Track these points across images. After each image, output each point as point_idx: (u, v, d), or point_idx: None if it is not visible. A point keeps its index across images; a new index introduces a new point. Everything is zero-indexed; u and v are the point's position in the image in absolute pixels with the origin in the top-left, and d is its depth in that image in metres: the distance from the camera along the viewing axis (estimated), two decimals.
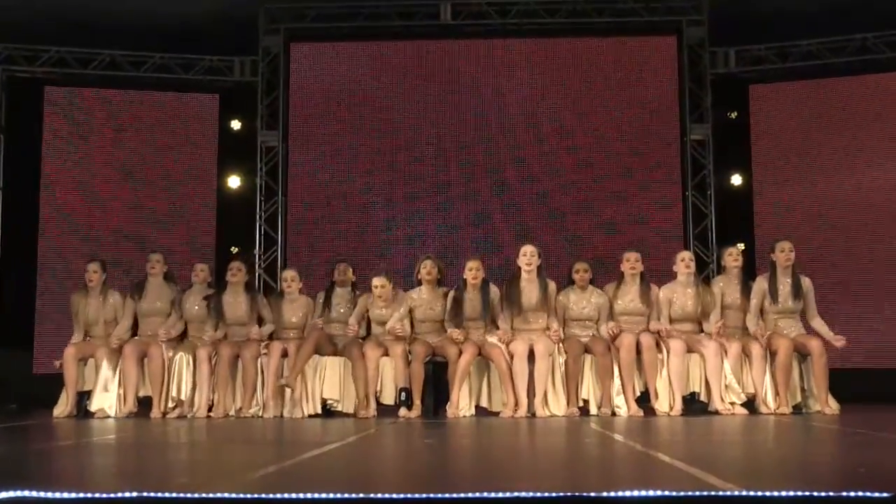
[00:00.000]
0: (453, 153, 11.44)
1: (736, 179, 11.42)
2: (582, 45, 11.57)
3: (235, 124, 11.98)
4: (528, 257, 7.38)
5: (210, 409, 7.61)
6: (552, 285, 7.47)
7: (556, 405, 7.28)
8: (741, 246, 7.43)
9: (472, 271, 7.39)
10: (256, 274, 11.01)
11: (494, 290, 7.48)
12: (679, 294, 7.39)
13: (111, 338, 7.71)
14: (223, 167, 11.71)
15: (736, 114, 11.74)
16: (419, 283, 7.63)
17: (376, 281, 7.58)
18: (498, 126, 11.48)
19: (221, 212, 11.48)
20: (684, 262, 7.40)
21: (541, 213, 11.22)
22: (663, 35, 11.50)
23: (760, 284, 7.42)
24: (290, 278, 7.90)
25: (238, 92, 11.79)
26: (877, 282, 10.75)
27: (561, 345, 7.38)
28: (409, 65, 11.64)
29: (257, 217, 11.31)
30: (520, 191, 11.30)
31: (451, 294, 7.47)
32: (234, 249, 11.24)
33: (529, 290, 7.38)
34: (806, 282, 7.39)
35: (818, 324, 7.37)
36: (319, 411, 7.55)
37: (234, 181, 11.81)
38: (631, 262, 7.49)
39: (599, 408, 7.27)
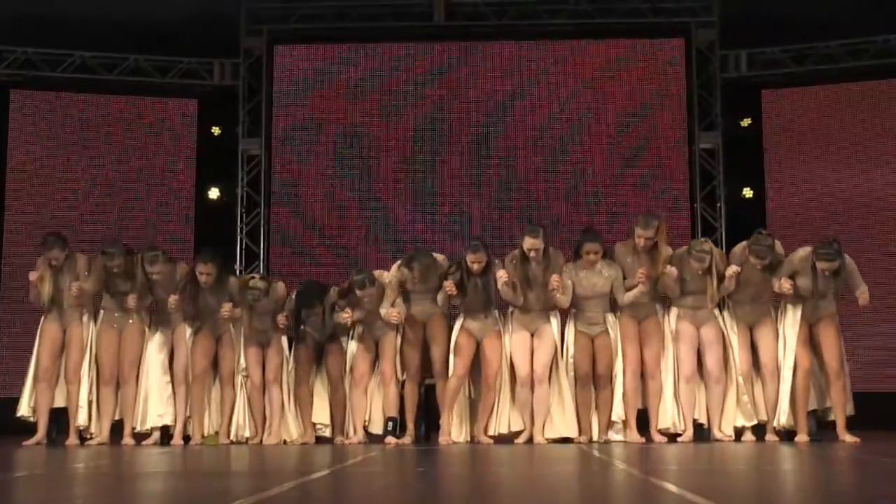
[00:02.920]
0: (448, 161, 11.44)
1: (747, 191, 11.42)
2: (584, 48, 11.59)
3: (215, 131, 11.97)
4: (533, 253, 7.32)
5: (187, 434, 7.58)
6: (560, 258, 7.38)
7: (557, 429, 7.25)
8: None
9: (475, 266, 7.33)
10: None
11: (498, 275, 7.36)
12: (688, 274, 7.32)
13: (73, 286, 7.54)
14: (202, 177, 11.69)
15: (748, 121, 11.75)
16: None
17: (359, 293, 7.50)
18: (495, 134, 11.50)
19: (199, 225, 11.45)
20: (699, 263, 7.33)
21: (539, 223, 11.21)
22: (671, 37, 11.53)
23: (800, 262, 7.20)
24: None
25: (218, 96, 11.78)
26: None
27: (570, 364, 7.30)
28: (401, 68, 11.65)
29: (238, 230, 11.29)
30: (518, 199, 11.30)
31: (451, 277, 7.35)
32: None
33: (537, 271, 7.33)
34: (848, 267, 7.29)
35: (861, 294, 7.28)
36: (309, 438, 7.53)
37: (213, 192, 11.79)
38: (642, 241, 7.40)
39: (599, 434, 7.28)
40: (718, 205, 11.16)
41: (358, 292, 7.36)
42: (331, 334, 7.52)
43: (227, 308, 7.46)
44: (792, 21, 11.17)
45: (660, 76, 11.48)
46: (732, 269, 7.19)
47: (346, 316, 7.37)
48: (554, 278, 7.17)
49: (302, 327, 7.59)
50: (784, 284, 7.10)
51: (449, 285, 7.24)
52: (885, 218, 10.90)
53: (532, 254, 7.26)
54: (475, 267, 7.28)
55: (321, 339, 7.50)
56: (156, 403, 7.59)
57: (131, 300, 7.53)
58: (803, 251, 7.22)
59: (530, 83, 11.57)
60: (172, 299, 7.50)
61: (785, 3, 11.03)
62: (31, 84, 11.56)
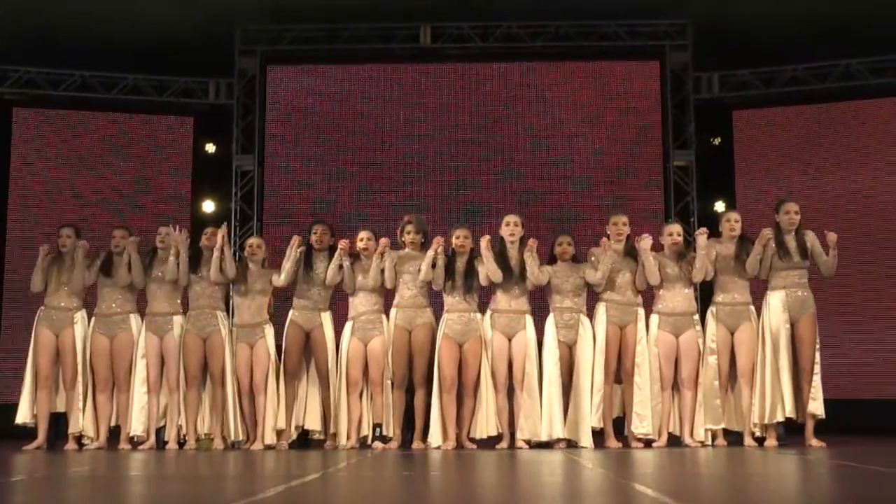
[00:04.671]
0: (434, 177, 11.43)
1: (719, 206, 11.44)
2: (564, 70, 11.61)
3: (210, 148, 11.95)
4: (511, 227, 7.32)
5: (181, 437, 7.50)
6: (531, 258, 7.31)
7: (535, 432, 7.18)
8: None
9: (460, 239, 7.34)
10: (229, 300, 10.93)
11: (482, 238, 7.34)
12: (665, 259, 7.33)
13: (80, 243, 7.53)
14: (197, 191, 11.66)
15: (719, 139, 11.80)
16: (402, 247, 7.53)
17: (363, 234, 7.50)
18: (478, 150, 11.50)
19: (195, 237, 11.36)
20: (671, 236, 7.34)
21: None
22: (646, 60, 11.56)
23: (764, 236, 7.23)
24: (255, 245, 7.69)
25: (213, 114, 11.77)
26: (870, 312, 10.78)
27: (553, 368, 7.23)
28: (388, 88, 11.65)
29: (232, 243, 11.21)
30: (498, 216, 11.25)
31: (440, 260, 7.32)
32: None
33: (515, 258, 7.30)
34: (810, 235, 7.26)
35: (827, 260, 7.22)
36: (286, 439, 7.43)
37: (208, 206, 11.76)
38: (618, 227, 7.41)
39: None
40: (692, 219, 11.16)
41: (361, 234, 7.48)
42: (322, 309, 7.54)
43: (222, 231, 7.46)
44: (761, 45, 11.25)
45: (636, 96, 11.51)
46: (702, 229, 7.30)
47: (342, 244, 7.34)
48: (532, 240, 7.17)
49: (290, 315, 7.55)
50: (764, 233, 7.14)
51: (438, 241, 7.22)
52: (849, 229, 10.92)
53: (509, 228, 7.26)
54: (459, 241, 7.30)
55: (323, 277, 7.46)
56: (135, 413, 7.50)
57: (130, 237, 7.56)
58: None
59: (512, 103, 11.57)
60: (176, 236, 7.52)
61: (754, 28, 11.10)
62: (33, 102, 11.52)
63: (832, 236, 7.14)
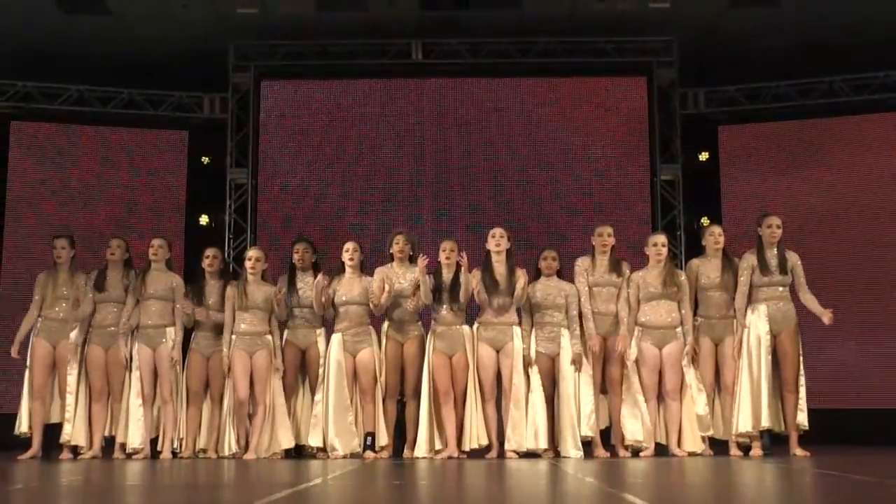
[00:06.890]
0: (426, 191, 11.45)
1: (705, 220, 11.48)
2: (552, 85, 11.66)
3: (205, 161, 11.96)
4: (496, 238, 7.33)
5: (176, 448, 7.49)
6: (522, 278, 7.35)
7: (524, 442, 7.18)
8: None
9: (447, 251, 7.35)
10: None
11: (468, 275, 7.33)
12: (651, 276, 7.34)
13: (71, 317, 7.54)
14: (192, 204, 11.66)
15: (706, 154, 11.86)
16: (391, 259, 7.55)
17: (349, 244, 7.54)
18: (469, 165, 11.53)
19: (189, 250, 11.39)
20: (657, 246, 7.37)
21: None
22: (634, 76, 11.62)
23: (747, 260, 7.28)
24: (254, 258, 7.66)
25: (207, 128, 11.77)
26: (852, 321, 10.81)
27: (539, 377, 7.24)
28: (380, 103, 11.68)
29: (226, 255, 11.23)
30: (486, 228, 11.26)
31: (426, 275, 7.33)
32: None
33: (500, 271, 7.31)
34: (792, 256, 7.31)
35: (808, 299, 7.28)
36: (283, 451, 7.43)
37: (202, 218, 11.78)
38: (603, 238, 7.44)
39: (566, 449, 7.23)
40: (678, 233, 11.21)
41: (347, 244, 7.53)
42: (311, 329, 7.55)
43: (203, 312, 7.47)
44: (746, 62, 11.32)
45: (623, 112, 11.56)
46: (690, 346, 7.21)
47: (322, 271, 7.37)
48: (471, 272, 7.20)
49: (286, 336, 7.56)
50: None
51: (422, 261, 7.19)
52: (832, 240, 10.99)
53: (495, 240, 7.29)
54: (445, 254, 7.32)
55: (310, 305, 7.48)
56: (132, 426, 7.49)
57: (123, 323, 7.51)
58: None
59: (501, 118, 11.60)
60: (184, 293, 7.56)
61: (740, 45, 11.18)
62: (30, 116, 11.51)
63: (829, 318, 7.20)
